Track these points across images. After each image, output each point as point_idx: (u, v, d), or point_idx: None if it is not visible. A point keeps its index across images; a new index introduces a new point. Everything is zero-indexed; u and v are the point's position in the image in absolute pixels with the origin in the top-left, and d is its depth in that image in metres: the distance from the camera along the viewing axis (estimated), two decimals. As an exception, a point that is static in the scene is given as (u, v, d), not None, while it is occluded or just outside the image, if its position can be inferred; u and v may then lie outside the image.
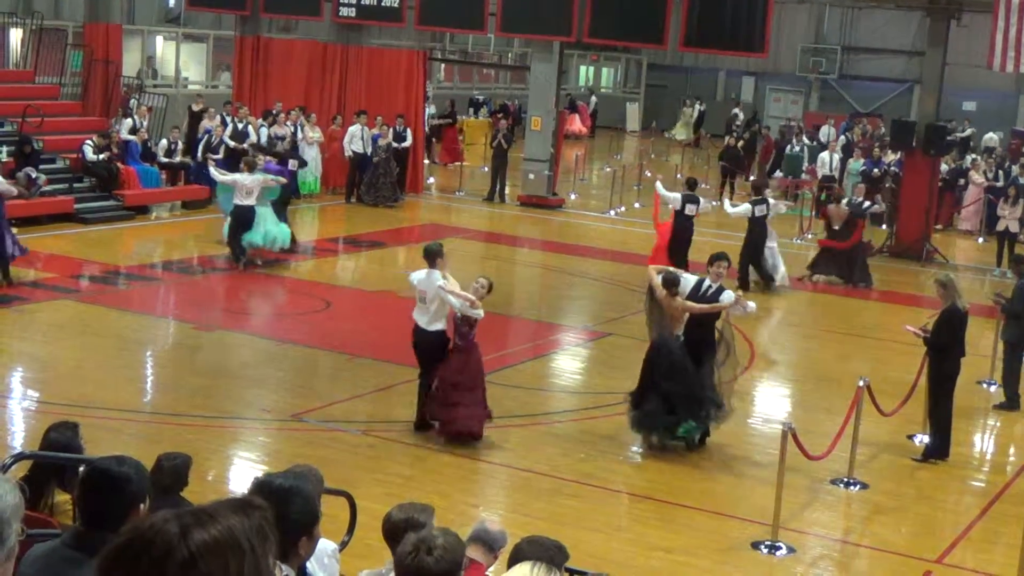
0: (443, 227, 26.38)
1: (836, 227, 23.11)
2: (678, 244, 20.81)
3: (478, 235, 25.89)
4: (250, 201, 20.33)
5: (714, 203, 32.79)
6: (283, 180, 21.51)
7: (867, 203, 23.91)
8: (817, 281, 22.87)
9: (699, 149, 46.54)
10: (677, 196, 21.30)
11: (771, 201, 21.75)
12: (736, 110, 47.35)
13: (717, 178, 34.46)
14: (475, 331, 12.87)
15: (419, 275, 13.15)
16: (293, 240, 21.63)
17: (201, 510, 2.40)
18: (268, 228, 20.75)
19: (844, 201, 23.78)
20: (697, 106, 49.44)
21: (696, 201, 21.17)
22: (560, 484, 12.01)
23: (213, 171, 22.05)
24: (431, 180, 31.96)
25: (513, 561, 5.86)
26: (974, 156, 33.55)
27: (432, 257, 13.08)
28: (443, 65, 46.61)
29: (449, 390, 12.81)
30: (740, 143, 35.52)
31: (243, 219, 20.41)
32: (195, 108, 29.26)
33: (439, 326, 13.01)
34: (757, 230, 21.46)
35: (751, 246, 21.55)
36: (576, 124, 48.56)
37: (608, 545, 10.53)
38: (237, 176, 20.74)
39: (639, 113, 53.52)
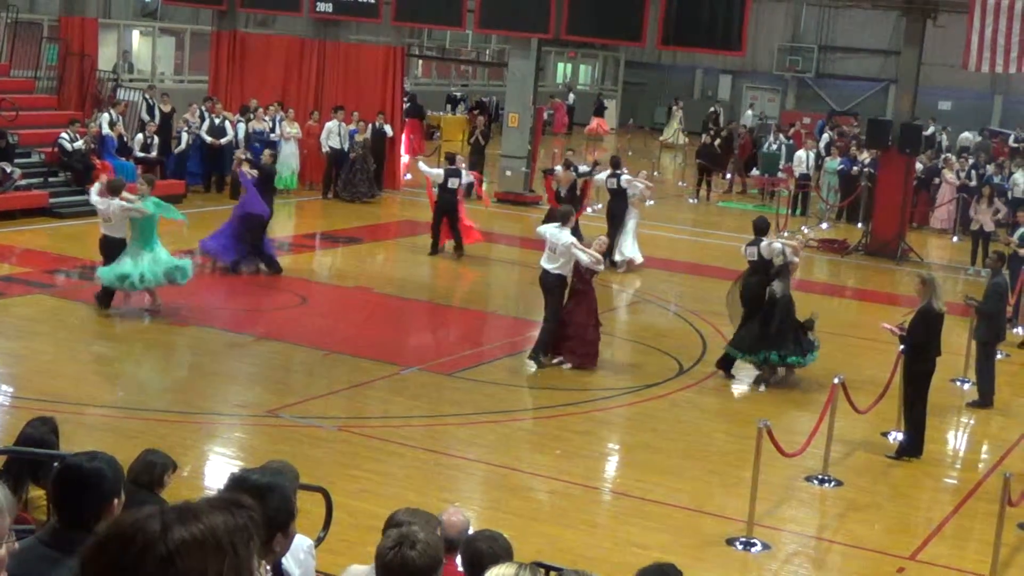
0: (420, 223, 26.29)
1: (563, 192, 23.58)
2: (442, 214, 22.35)
3: (455, 231, 25.87)
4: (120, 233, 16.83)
5: (691, 201, 32.94)
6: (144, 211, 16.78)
7: (584, 167, 24.50)
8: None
9: (676, 146, 46.65)
10: (440, 171, 22.72)
11: (464, 172, 22.82)
12: (716, 107, 47.48)
13: (694, 176, 34.52)
14: (592, 278, 15.97)
15: (550, 229, 16.14)
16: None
17: (187, 508, 2.39)
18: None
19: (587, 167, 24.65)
20: (715, 107, 48.88)
21: (458, 175, 22.45)
22: (536, 480, 12.03)
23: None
24: (408, 176, 31.91)
25: (468, 554, 5.96)
26: (947, 155, 33.71)
27: (564, 218, 16.13)
28: (421, 61, 46.56)
29: (568, 327, 15.82)
30: (717, 141, 35.59)
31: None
32: (164, 108, 28.56)
33: (562, 272, 15.81)
34: (446, 198, 22.32)
35: (439, 211, 22.47)
36: (604, 125, 48.79)
37: (583, 541, 10.55)
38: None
39: (616, 111, 53.56)
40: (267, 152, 21.59)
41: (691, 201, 33.01)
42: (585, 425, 13.95)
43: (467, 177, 23.03)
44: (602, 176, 23.25)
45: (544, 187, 24.91)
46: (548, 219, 18.69)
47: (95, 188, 17.34)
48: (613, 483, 12.61)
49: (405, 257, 23.16)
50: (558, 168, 23.96)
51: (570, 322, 15.93)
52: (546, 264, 15.95)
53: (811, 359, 15.70)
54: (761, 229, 16.41)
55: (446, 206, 22.41)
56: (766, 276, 15.92)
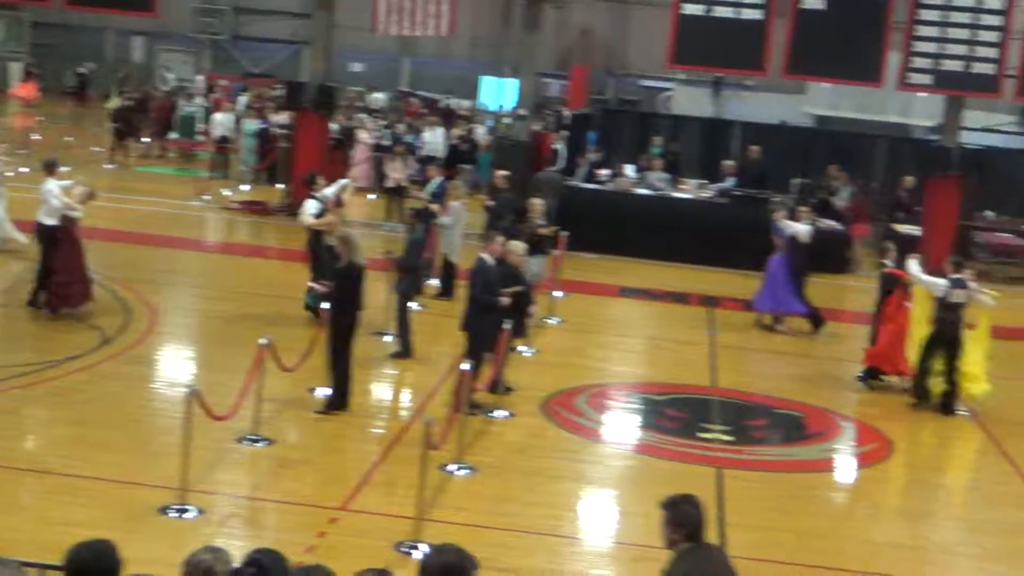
0: None
1: None
2: None
3: None
4: None
5: (108, 166, 32.01)
6: None
7: None
8: None
9: (87, 109, 45.23)
10: None
11: None
12: (163, 77, 46.42)
13: (110, 140, 33.50)
14: (76, 225, 16.76)
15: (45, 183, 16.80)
16: None
17: None
18: None
19: None
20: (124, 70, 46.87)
21: None
22: (-49, 467, 11.30)
23: None
24: None
25: None
26: (361, 115, 34.78)
27: (49, 168, 17.08)
28: None
29: (59, 274, 16.54)
30: (131, 104, 34.66)
31: None
32: None
33: (50, 221, 16.64)
34: None
35: None
36: (33, 90, 45.93)
37: (6, 524, 10.04)
38: None
39: (24, 74, 51.04)
40: None
41: (108, 167, 32.03)
42: (3, 403, 13.25)
43: None
44: None
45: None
46: None
47: None
48: (36, 462, 12.04)
49: None
50: None
51: (56, 269, 16.61)
52: (40, 216, 16.93)
53: None
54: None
55: None
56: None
